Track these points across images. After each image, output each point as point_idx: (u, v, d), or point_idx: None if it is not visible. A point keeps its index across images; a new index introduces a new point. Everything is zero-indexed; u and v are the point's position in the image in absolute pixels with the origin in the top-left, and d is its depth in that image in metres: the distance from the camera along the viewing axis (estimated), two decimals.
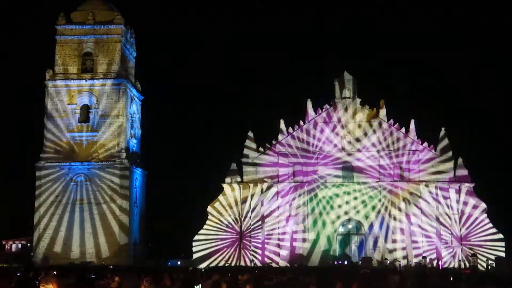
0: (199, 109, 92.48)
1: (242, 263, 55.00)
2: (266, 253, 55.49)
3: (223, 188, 57.86)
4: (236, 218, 57.10)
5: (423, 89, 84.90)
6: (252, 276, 17.83)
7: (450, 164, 56.76)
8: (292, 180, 56.74)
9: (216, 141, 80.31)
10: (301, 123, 57.97)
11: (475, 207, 56.39)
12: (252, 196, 56.54)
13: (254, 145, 57.66)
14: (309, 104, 58.32)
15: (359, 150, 56.92)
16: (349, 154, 56.86)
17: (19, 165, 66.75)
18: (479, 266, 50.58)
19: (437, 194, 55.95)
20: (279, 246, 55.80)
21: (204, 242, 56.67)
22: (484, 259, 52.66)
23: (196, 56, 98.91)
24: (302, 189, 56.57)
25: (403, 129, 57.39)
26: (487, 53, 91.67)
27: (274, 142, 57.68)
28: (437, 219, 55.62)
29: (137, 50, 63.16)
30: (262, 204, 56.34)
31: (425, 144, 57.20)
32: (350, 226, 57.34)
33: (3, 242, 68.57)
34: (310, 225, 56.35)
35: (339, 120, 57.49)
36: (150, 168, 63.37)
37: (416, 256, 54.65)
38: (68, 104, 56.93)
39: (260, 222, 56.10)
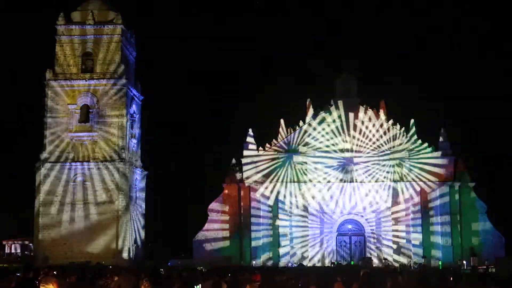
0: (199, 109, 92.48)
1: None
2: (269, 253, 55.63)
3: (223, 188, 57.87)
4: (236, 218, 57.09)
5: (423, 89, 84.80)
6: (250, 276, 17.81)
7: (450, 164, 56.74)
8: (291, 180, 56.70)
9: (216, 141, 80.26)
10: (301, 123, 57.96)
11: (475, 207, 56.39)
12: (251, 195, 56.48)
13: (254, 145, 57.65)
14: (309, 104, 58.31)
15: (359, 150, 56.90)
16: (349, 154, 56.82)
17: (19, 165, 66.68)
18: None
19: (437, 194, 55.94)
20: (279, 246, 55.90)
21: (204, 242, 56.74)
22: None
23: (196, 56, 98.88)
24: (301, 189, 56.55)
25: (403, 129, 57.41)
26: (487, 53, 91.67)
27: (274, 141, 57.66)
28: (438, 219, 55.61)
29: (137, 50, 63.16)
30: (261, 204, 56.33)
31: (425, 144, 57.19)
32: (350, 226, 57.38)
33: (3, 242, 68.50)
34: (310, 225, 56.36)
35: (339, 120, 57.46)
36: (150, 168, 63.43)
37: (416, 256, 54.72)
38: (68, 104, 56.92)
39: (260, 222, 56.13)
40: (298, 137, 57.42)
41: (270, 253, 55.72)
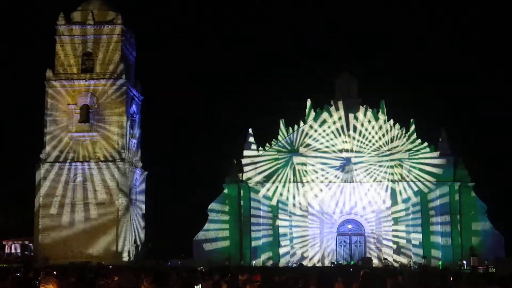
0: (199, 109, 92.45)
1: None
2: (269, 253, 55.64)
3: (223, 188, 57.89)
4: (236, 218, 57.12)
5: (423, 89, 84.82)
6: (250, 276, 17.81)
7: (450, 164, 56.75)
8: (291, 180, 56.69)
9: (216, 141, 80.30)
10: (301, 123, 57.96)
11: (475, 207, 56.39)
12: (251, 195, 56.49)
13: (254, 145, 57.65)
14: (309, 104, 58.31)
15: (359, 150, 56.88)
16: (349, 154, 56.80)
17: (19, 165, 66.68)
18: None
19: (437, 194, 55.93)
20: (279, 246, 55.94)
21: (204, 242, 56.78)
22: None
23: (196, 56, 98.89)
24: (302, 189, 56.56)
25: (403, 129, 57.39)
26: (487, 53, 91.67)
27: (274, 141, 57.66)
28: (437, 219, 55.62)
29: (137, 50, 63.18)
30: (261, 204, 56.33)
31: (425, 144, 57.19)
32: (350, 226, 57.39)
33: (3, 242, 68.48)
34: (310, 225, 56.40)
35: (339, 120, 57.44)
36: (150, 168, 63.41)
37: (416, 256, 54.74)
38: (68, 104, 56.93)
39: (260, 222, 56.13)
40: (298, 137, 57.41)
41: (270, 253, 55.71)
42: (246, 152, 57.28)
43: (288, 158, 56.95)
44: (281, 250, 55.80)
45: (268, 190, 56.44)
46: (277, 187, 56.47)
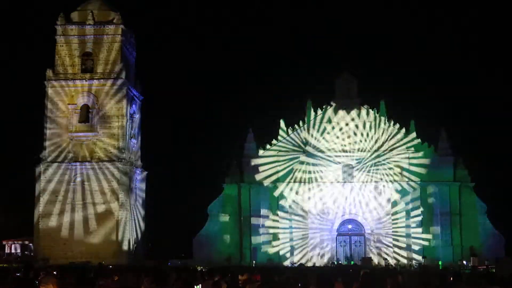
0: (199, 109, 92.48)
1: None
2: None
3: (223, 188, 57.88)
4: (236, 218, 57.13)
5: (423, 89, 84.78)
6: (250, 276, 17.83)
7: (450, 164, 56.74)
8: (292, 180, 56.71)
9: (216, 141, 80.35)
10: (301, 123, 57.96)
11: (475, 207, 56.38)
12: (252, 195, 56.48)
13: (254, 145, 57.67)
14: (309, 104, 58.31)
15: (359, 150, 56.89)
16: (349, 154, 56.82)
17: (19, 165, 66.67)
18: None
19: (437, 194, 55.93)
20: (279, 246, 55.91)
21: (204, 242, 56.76)
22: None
23: (196, 56, 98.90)
24: (302, 189, 56.56)
25: (403, 129, 57.37)
26: (487, 53, 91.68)
27: (274, 142, 57.66)
28: (438, 219, 55.62)
29: (137, 50, 63.13)
30: (261, 204, 56.32)
31: (425, 144, 57.18)
32: (350, 226, 57.38)
33: (3, 242, 68.48)
34: (310, 225, 56.39)
35: (339, 120, 57.46)
36: (150, 168, 63.39)
37: (416, 256, 54.73)
38: (68, 104, 56.88)
39: (260, 222, 56.12)
40: (298, 137, 57.42)
41: (270, 253, 55.67)
42: (246, 152, 57.28)
43: (289, 158, 56.94)
44: (281, 250, 55.76)
45: (268, 190, 56.42)
46: (277, 187, 56.45)
